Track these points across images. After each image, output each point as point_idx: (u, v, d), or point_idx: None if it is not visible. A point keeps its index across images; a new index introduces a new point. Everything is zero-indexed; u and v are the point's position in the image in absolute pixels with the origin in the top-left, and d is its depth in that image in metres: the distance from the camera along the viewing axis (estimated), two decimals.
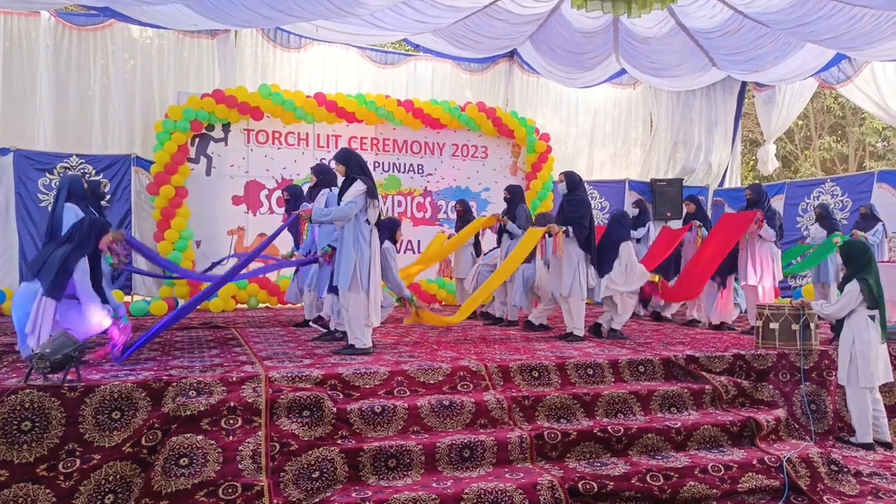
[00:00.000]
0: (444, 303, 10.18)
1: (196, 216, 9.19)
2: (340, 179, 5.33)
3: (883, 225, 7.77)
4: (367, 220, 5.06)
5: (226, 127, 9.51)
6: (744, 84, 12.76)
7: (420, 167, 10.60)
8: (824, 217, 8.16)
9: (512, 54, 12.00)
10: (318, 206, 5.51)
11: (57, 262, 4.32)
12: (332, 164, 5.45)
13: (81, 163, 8.95)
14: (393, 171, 10.43)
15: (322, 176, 6.37)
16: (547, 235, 6.22)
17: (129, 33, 10.11)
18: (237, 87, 9.53)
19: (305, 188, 9.60)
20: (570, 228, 6.01)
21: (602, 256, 6.15)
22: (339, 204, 5.13)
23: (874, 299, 4.70)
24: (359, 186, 5.02)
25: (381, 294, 5.30)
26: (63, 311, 4.41)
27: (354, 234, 5.01)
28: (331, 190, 6.09)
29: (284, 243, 7.75)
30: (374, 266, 5.07)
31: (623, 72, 11.79)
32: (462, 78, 12.06)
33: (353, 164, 5.20)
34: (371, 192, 5.05)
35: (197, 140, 9.37)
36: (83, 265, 4.48)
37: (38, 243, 8.71)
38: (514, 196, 7.54)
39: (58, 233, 4.80)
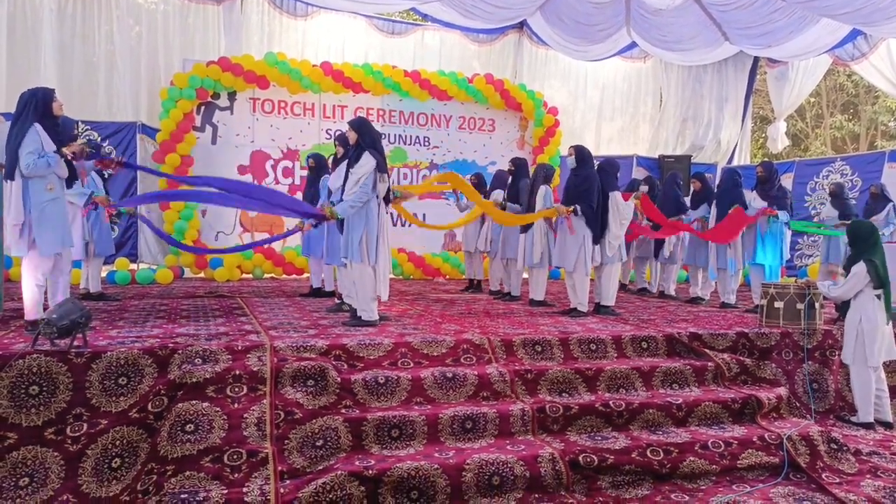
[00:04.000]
0: (447, 276, 10.20)
1: None
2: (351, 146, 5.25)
3: (893, 205, 7.70)
4: (376, 195, 5.04)
5: (231, 95, 9.44)
6: (756, 59, 12.57)
7: (426, 139, 10.52)
8: (837, 196, 8.03)
9: (521, 25, 11.82)
10: (350, 188, 5.17)
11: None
12: (346, 129, 5.36)
13: (87, 129, 8.91)
14: (399, 144, 10.36)
15: (347, 147, 6.28)
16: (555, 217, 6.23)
17: None
18: (243, 54, 9.44)
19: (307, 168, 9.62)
20: (579, 208, 5.98)
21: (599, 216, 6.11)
22: (346, 173, 5.11)
23: (881, 280, 4.68)
24: (368, 161, 4.97)
25: (389, 267, 5.31)
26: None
27: (364, 208, 4.99)
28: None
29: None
30: (382, 239, 5.07)
31: (634, 45, 11.63)
32: (470, 49, 11.91)
33: (366, 135, 5.13)
34: (380, 167, 5.01)
35: (202, 108, 9.31)
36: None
37: None
38: (519, 169, 7.49)
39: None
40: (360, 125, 5.22)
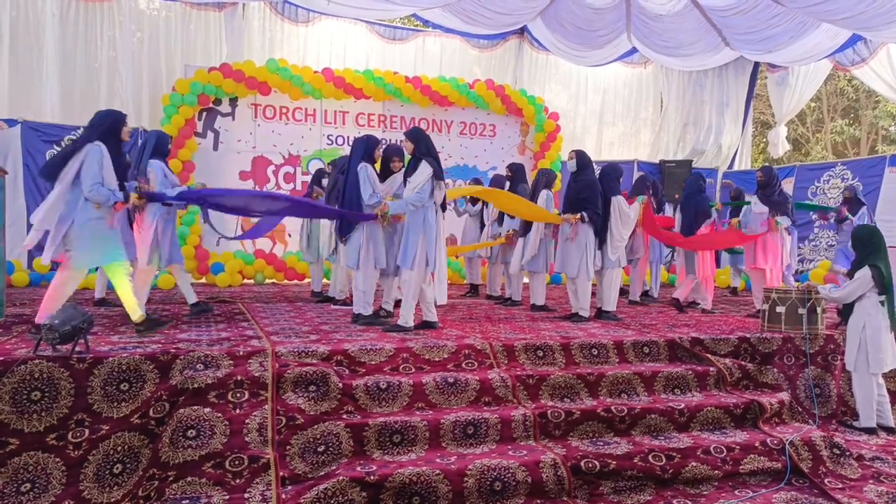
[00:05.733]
0: (448, 282, 10.19)
1: None
2: (407, 157, 5.40)
3: (867, 209, 7.69)
4: (434, 202, 5.14)
5: (233, 101, 9.47)
6: (756, 65, 12.59)
7: None
8: (852, 200, 7.95)
9: (522, 31, 11.86)
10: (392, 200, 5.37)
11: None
12: (402, 141, 5.47)
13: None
14: None
15: (402, 158, 6.25)
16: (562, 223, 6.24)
17: (136, 5, 10.04)
18: (245, 61, 9.47)
19: (313, 164, 9.64)
20: (586, 214, 5.99)
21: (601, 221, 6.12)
22: (404, 182, 5.25)
23: (885, 285, 4.67)
24: (426, 169, 5.07)
25: (446, 273, 5.41)
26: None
27: (422, 215, 5.08)
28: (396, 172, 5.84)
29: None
30: (440, 247, 5.17)
31: (634, 50, 11.66)
32: (471, 54, 11.94)
33: (421, 144, 5.23)
34: (437, 174, 5.10)
35: (204, 114, 9.34)
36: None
37: None
38: (516, 174, 7.51)
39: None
40: (416, 135, 5.31)
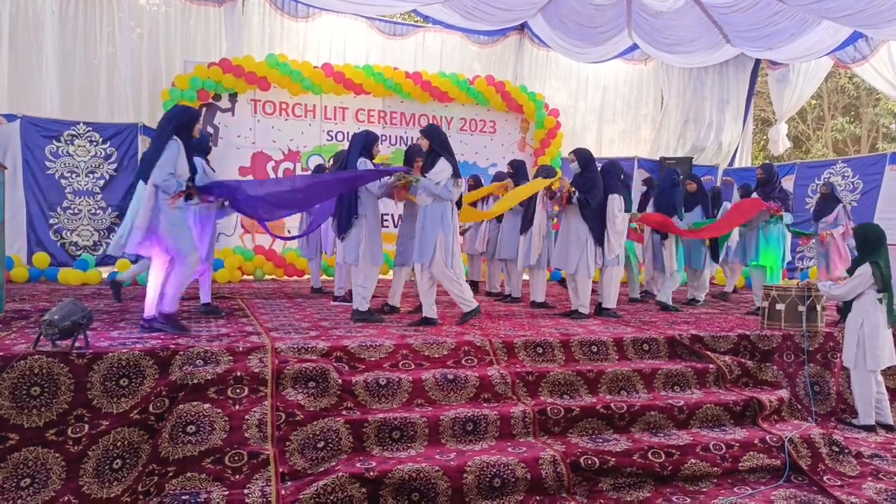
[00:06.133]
0: None
1: None
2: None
3: (843, 206, 7.66)
4: (450, 200, 5.19)
5: (233, 97, 9.45)
6: (757, 62, 12.57)
7: None
8: (828, 197, 7.91)
9: (522, 27, 11.84)
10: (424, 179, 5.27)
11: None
12: (418, 138, 5.48)
13: (88, 130, 8.93)
14: (400, 145, 10.36)
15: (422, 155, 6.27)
16: (552, 189, 6.22)
17: (136, 0, 10.01)
18: (244, 56, 9.45)
19: (313, 160, 9.63)
20: (577, 194, 5.94)
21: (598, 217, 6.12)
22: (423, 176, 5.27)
23: (884, 282, 4.67)
24: (444, 167, 5.11)
25: (462, 268, 5.45)
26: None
27: (440, 211, 5.12)
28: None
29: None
30: (455, 244, 5.23)
31: (635, 47, 11.63)
32: (471, 50, 11.92)
33: (436, 140, 5.24)
34: (455, 172, 5.15)
35: (204, 110, 9.32)
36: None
37: (45, 210, 8.75)
38: (517, 171, 7.50)
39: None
40: (430, 131, 5.33)
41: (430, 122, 10.45)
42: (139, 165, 4.43)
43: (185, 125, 4.54)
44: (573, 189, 5.96)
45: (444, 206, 5.13)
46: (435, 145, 5.20)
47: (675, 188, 7.29)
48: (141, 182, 4.35)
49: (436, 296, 5.40)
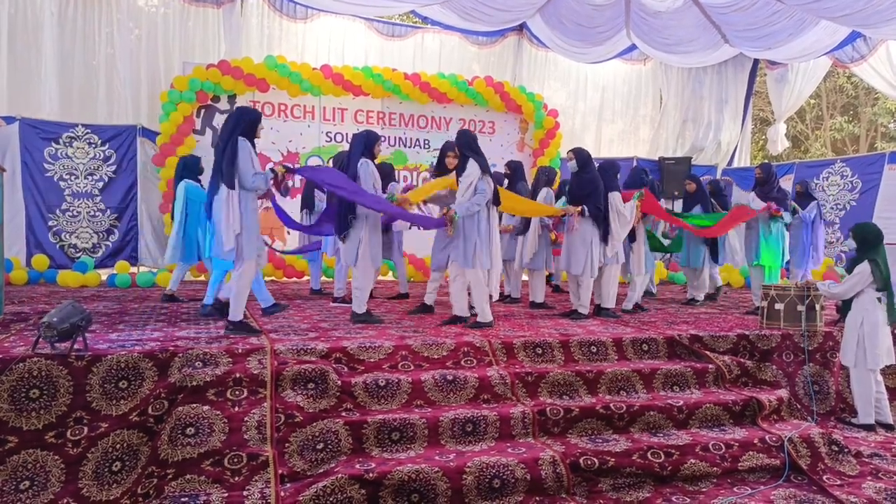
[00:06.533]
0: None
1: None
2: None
3: (817, 203, 7.65)
4: (485, 203, 5.28)
5: (231, 98, 9.45)
6: (756, 62, 12.58)
7: (426, 142, 10.53)
8: (803, 195, 7.84)
9: (521, 28, 11.84)
10: (460, 194, 5.38)
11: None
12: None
13: (87, 132, 8.93)
14: (399, 146, 10.37)
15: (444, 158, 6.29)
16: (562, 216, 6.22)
17: (135, 2, 10.03)
18: (243, 58, 9.45)
19: (312, 161, 9.63)
20: (586, 208, 5.98)
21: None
22: (455, 182, 5.40)
23: (883, 281, 4.68)
24: (473, 168, 5.22)
25: (500, 267, 5.52)
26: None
27: (475, 218, 5.21)
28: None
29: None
30: (492, 242, 5.31)
31: (633, 47, 11.63)
32: (470, 51, 11.92)
33: (464, 143, 5.38)
34: (484, 169, 5.26)
35: (203, 111, 9.32)
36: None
37: (44, 212, 8.74)
38: (515, 172, 7.49)
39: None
40: (457, 137, 5.49)
41: (430, 122, 10.47)
42: (217, 172, 4.56)
43: (250, 126, 4.64)
44: (580, 209, 5.97)
45: (480, 212, 5.26)
46: (463, 149, 5.34)
47: (642, 187, 7.21)
48: (223, 187, 4.48)
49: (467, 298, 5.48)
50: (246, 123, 4.57)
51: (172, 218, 6.52)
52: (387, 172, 7.05)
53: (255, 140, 4.67)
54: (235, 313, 4.57)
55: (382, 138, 10.34)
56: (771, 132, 12.59)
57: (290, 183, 5.43)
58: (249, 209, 4.52)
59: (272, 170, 4.77)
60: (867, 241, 4.81)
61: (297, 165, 6.33)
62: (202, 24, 10.22)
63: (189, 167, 6.50)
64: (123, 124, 9.30)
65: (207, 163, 9.10)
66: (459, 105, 10.52)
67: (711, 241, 7.52)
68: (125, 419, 3.48)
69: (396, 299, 7.51)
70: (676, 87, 12.81)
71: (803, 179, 7.92)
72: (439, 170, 5.85)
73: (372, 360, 4.26)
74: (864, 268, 4.70)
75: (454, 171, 5.46)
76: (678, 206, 9.61)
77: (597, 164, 6.37)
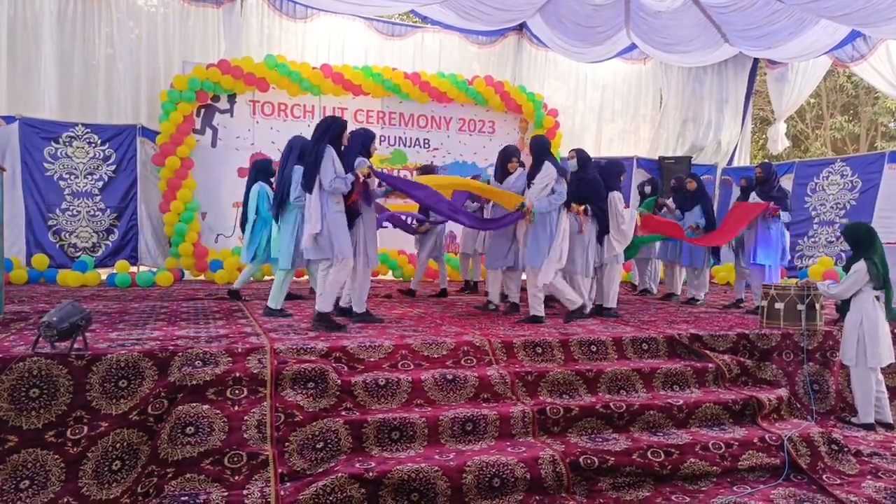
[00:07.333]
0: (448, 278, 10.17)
1: (202, 188, 9.19)
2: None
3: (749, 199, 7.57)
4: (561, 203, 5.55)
5: (231, 98, 9.45)
6: (756, 61, 12.57)
7: (426, 141, 10.53)
8: (746, 189, 7.71)
9: (521, 27, 11.83)
10: (534, 194, 5.60)
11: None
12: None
13: (87, 132, 8.92)
14: (399, 146, 10.37)
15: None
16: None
17: (134, 1, 10.02)
18: (243, 57, 9.45)
19: None
20: (589, 208, 6.00)
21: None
22: (528, 184, 5.68)
23: (881, 279, 4.68)
24: (550, 170, 5.50)
25: (564, 263, 5.71)
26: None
27: (547, 217, 5.46)
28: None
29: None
30: (565, 241, 5.59)
31: (633, 46, 11.63)
32: (470, 51, 11.92)
33: (539, 148, 5.72)
34: (560, 171, 5.56)
35: (202, 111, 9.32)
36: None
37: (44, 212, 8.75)
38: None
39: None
40: (531, 143, 5.84)
41: (430, 122, 10.47)
42: (305, 178, 4.92)
43: (337, 134, 4.95)
44: (584, 208, 6.01)
45: (552, 213, 5.48)
46: (538, 153, 5.66)
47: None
48: (307, 193, 4.86)
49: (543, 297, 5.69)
50: (334, 131, 4.91)
51: (245, 220, 6.72)
52: (429, 171, 7.56)
53: (342, 147, 5.01)
54: (324, 305, 4.90)
55: (382, 137, 10.38)
56: (771, 131, 12.58)
57: (378, 190, 5.70)
58: (333, 211, 4.85)
59: (354, 173, 5.01)
60: (859, 242, 4.84)
61: (383, 170, 6.81)
62: (202, 24, 10.21)
63: (262, 170, 6.75)
64: (123, 124, 9.29)
65: (203, 162, 9.17)
66: (459, 104, 10.52)
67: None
68: (125, 418, 3.48)
69: (438, 297, 7.77)
70: (676, 87, 12.81)
71: (748, 177, 7.80)
72: (501, 172, 6.16)
73: (372, 359, 4.26)
74: (860, 267, 4.71)
75: (527, 174, 5.74)
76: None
77: (602, 163, 6.42)
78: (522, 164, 6.30)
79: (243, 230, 6.73)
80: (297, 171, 5.39)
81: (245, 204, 6.72)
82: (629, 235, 6.25)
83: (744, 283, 7.53)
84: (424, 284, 9.60)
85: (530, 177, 5.68)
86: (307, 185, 4.87)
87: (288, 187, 5.53)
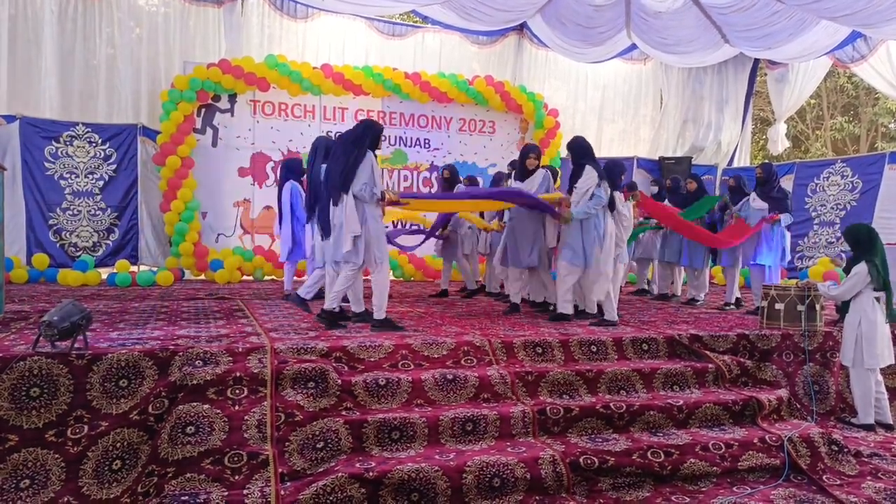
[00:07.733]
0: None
1: (202, 187, 9.20)
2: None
3: (749, 199, 7.60)
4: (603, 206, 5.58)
5: (232, 98, 9.46)
6: (756, 61, 12.57)
7: (427, 141, 10.54)
8: (735, 189, 7.61)
9: (521, 27, 11.84)
10: (577, 199, 5.62)
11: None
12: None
13: (87, 131, 8.93)
14: (399, 146, 10.38)
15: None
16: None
17: (135, 1, 10.03)
18: (243, 57, 9.46)
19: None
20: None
21: None
22: (570, 189, 5.68)
23: (881, 281, 4.68)
24: (591, 174, 5.46)
25: (611, 266, 5.74)
26: None
27: (592, 221, 5.49)
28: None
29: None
30: (611, 243, 5.61)
31: (634, 47, 11.64)
32: (470, 51, 11.92)
33: (577, 151, 5.68)
34: (601, 175, 5.53)
35: (203, 111, 9.33)
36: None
37: (45, 211, 8.75)
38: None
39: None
40: (570, 145, 5.80)
41: (430, 121, 10.48)
42: (341, 179, 4.83)
43: (375, 139, 4.92)
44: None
45: (597, 215, 5.49)
46: (578, 157, 5.58)
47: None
48: (343, 194, 4.81)
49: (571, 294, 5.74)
50: (374, 136, 4.89)
51: (281, 219, 6.79)
52: (454, 174, 7.51)
53: (377, 151, 5.00)
54: (380, 313, 4.93)
55: (382, 137, 10.34)
56: (771, 132, 12.59)
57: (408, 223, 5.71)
58: (370, 215, 4.84)
59: (383, 191, 4.98)
60: (860, 243, 4.84)
61: (414, 192, 6.83)
62: (203, 24, 10.23)
63: (292, 169, 6.77)
64: (124, 123, 9.31)
65: (203, 162, 9.17)
66: (460, 104, 10.53)
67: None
68: (125, 418, 3.48)
69: (469, 297, 7.77)
70: (677, 87, 12.82)
71: (737, 174, 7.82)
72: (520, 171, 6.09)
73: (372, 359, 4.26)
74: (861, 268, 4.71)
75: (570, 178, 5.71)
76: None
77: (602, 164, 6.39)
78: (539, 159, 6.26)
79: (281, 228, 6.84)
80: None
81: (279, 203, 6.81)
82: (626, 235, 6.28)
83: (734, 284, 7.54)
84: (424, 284, 9.60)
85: (572, 181, 5.66)
86: (344, 186, 4.79)
87: (318, 188, 5.44)
